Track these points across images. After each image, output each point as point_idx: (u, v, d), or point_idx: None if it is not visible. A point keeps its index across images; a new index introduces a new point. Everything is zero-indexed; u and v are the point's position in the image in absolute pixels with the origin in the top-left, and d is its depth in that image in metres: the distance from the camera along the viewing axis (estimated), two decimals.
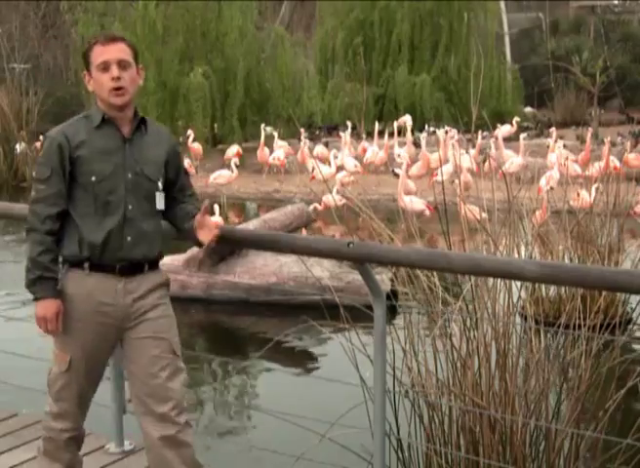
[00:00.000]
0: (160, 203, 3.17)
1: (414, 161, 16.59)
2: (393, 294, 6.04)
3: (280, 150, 16.82)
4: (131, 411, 3.80)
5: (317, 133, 20.76)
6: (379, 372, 3.37)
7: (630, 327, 5.42)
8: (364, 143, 17.49)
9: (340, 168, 15.18)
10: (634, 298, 6.50)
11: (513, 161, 14.30)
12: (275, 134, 17.05)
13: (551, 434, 3.86)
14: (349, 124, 17.72)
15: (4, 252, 11.95)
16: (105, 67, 3.04)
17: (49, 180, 3.05)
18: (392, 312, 5.41)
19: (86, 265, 3.06)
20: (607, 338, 4.02)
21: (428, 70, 23.78)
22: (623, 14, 31.80)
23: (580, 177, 12.55)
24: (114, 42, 3.07)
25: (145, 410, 3.11)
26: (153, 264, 3.19)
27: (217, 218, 8.85)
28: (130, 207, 3.07)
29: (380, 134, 17.66)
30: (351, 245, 3.21)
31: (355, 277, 7.66)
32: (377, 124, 17.74)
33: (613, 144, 14.11)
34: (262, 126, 17.90)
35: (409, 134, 17.17)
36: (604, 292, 5.40)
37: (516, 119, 18.80)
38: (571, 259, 6.81)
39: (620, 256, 7.28)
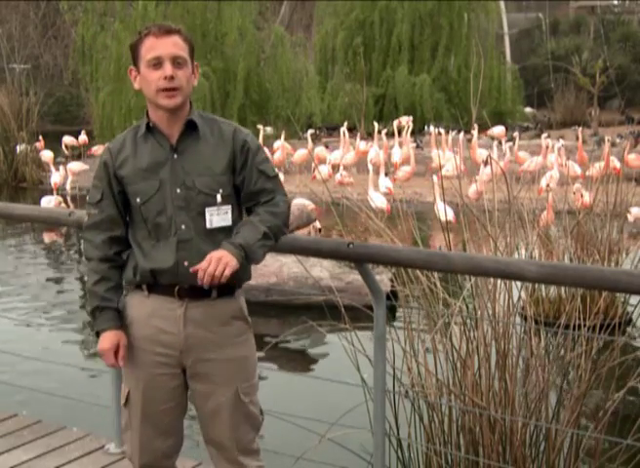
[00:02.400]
0: (215, 220, 2.69)
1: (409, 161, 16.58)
2: (393, 295, 6.04)
3: (278, 151, 16.79)
4: None
5: (317, 133, 20.77)
6: (379, 372, 3.37)
7: (630, 327, 5.42)
8: (360, 144, 17.48)
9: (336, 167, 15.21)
10: (634, 298, 6.50)
11: (533, 160, 14.40)
12: (282, 135, 16.93)
13: (551, 434, 3.85)
14: (346, 124, 17.69)
15: (5, 252, 11.94)
16: (157, 64, 2.61)
17: (99, 204, 2.73)
18: (392, 312, 5.41)
19: (144, 287, 2.74)
20: (607, 339, 4.02)
21: (428, 70, 23.83)
22: (623, 14, 31.87)
23: (580, 178, 12.57)
24: (169, 34, 2.63)
25: (217, 454, 2.85)
26: (225, 290, 2.71)
27: None
28: (183, 226, 2.66)
29: (380, 134, 17.65)
30: (351, 245, 3.21)
31: (355, 277, 7.66)
32: (376, 124, 17.72)
33: (612, 144, 14.12)
34: (261, 127, 17.89)
35: (408, 134, 17.18)
36: (604, 293, 5.40)
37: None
38: (571, 259, 6.80)
39: (620, 256, 7.28)
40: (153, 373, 2.75)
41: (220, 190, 2.68)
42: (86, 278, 2.80)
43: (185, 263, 2.65)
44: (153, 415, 2.77)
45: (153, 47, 2.62)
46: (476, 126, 15.27)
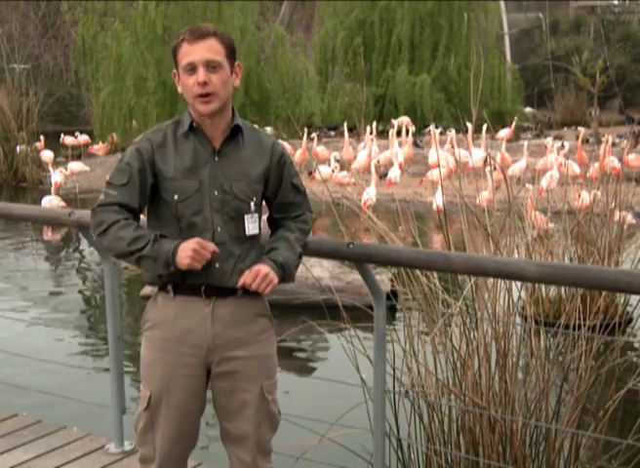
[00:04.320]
0: (252, 227, 2.72)
1: (412, 161, 16.61)
2: (393, 295, 6.04)
3: None
4: (131, 411, 3.79)
5: (317, 133, 20.79)
6: (379, 372, 3.37)
7: (630, 327, 5.42)
8: (360, 144, 17.47)
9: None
10: (634, 298, 6.50)
11: (540, 161, 14.43)
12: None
13: (551, 434, 3.86)
14: (346, 124, 17.68)
15: (5, 252, 11.93)
16: (192, 69, 2.64)
17: (122, 188, 2.64)
18: (392, 312, 5.41)
19: (169, 287, 2.70)
20: (607, 339, 4.02)
21: (428, 70, 23.82)
22: (623, 14, 31.85)
23: (579, 178, 12.58)
24: (203, 39, 2.63)
25: (235, 455, 2.84)
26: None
27: None
28: (218, 229, 2.67)
29: (381, 134, 17.65)
30: (351, 245, 3.22)
31: (355, 277, 7.65)
32: (374, 124, 17.71)
33: (612, 144, 14.13)
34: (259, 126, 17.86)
35: (410, 134, 17.19)
36: (604, 293, 5.40)
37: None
38: (571, 259, 6.80)
39: (620, 256, 7.28)
40: (178, 375, 2.72)
41: (254, 198, 2.73)
42: (118, 241, 2.60)
43: (217, 265, 2.66)
44: (178, 418, 2.76)
45: (187, 53, 2.64)
46: (471, 127, 15.25)
